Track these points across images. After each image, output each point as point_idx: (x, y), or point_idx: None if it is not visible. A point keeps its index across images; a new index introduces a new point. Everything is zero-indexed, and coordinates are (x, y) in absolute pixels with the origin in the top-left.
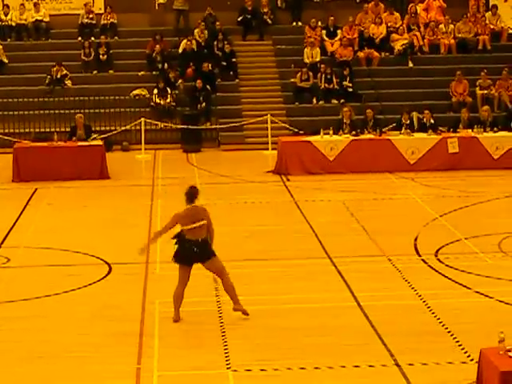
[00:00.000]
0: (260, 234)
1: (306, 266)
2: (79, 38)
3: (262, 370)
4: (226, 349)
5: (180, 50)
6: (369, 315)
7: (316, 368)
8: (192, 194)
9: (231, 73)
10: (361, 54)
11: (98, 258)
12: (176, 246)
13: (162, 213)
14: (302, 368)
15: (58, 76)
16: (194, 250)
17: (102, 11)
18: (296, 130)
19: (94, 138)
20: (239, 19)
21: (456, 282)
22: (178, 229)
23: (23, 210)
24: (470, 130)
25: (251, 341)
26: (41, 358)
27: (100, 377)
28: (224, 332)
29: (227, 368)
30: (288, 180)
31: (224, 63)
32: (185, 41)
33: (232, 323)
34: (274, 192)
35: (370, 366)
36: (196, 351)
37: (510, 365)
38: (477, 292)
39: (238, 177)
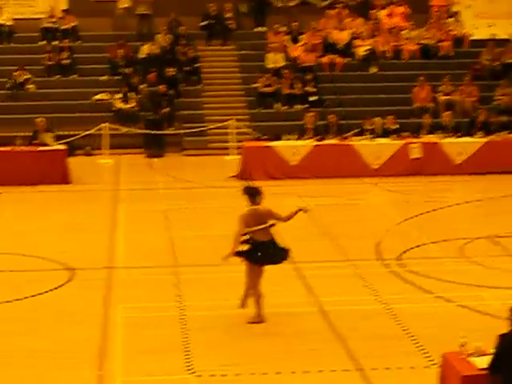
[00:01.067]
0: (224, 240)
1: (269, 270)
2: (42, 42)
3: (224, 375)
4: (188, 354)
5: (143, 55)
6: (332, 320)
7: (278, 373)
8: (252, 193)
9: (194, 78)
10: (324, 60)
11: (60, 263)
12: (247, 246)
13: (124, 218)
14: (265, 373)
15: (21, 80)
16: (270, 251)
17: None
18: (259, 135)
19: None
20: (202, 24)
21: (418, 287)
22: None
23: None
24: (432, 136)
25: (214, 345)
26: (0, 365)
27: (62, 383)
28: (187, 337)
29: (190, 373)
30: None
31: (187, 68)
32: (148, 45)
33: (195, 328)
34: (238, 197)
35: (333, 370)
36: (159, 356)
37: (471, 369)
38: (439, 297)
39: (201, 182)
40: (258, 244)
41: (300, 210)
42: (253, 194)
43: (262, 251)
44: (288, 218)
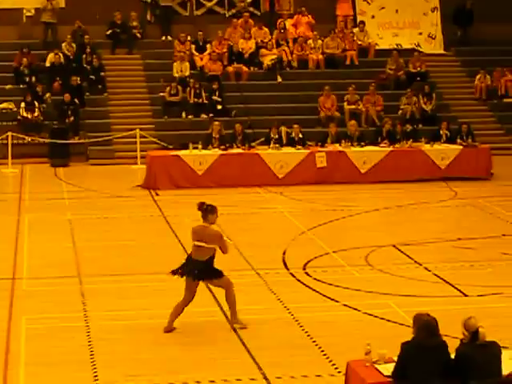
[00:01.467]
0: (129, 249)
1: (174, 281)
2: None
3: None
4: (93, 364)
5: (48, 64)
6: (237, 329)
7: (184, 383)
8: (203, 210)
9: (100, 87)
10: (230, 69)
11: None
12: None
13: (28, 228)
14: (171, 383)
15: None
16: (195, 271)
17: None
18: (165, 145)
19: None
20: (108, 33)
21: (324, 295)
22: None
23: None
24: (337, 145)
25: (119, 356)
26: None
27: None
28: (92, 348)
29: None
30: (157, 194)
31: (92, 77)
32: (52, 54)
33: (100, 338)
34: (143, 206)
35: (239, 379)
36: (64, 368)
37: (376, 376)
38: (344, 305)
39: (107, 191)
40: (190, 261)
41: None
42: (205, 212)
43: (195, 268)
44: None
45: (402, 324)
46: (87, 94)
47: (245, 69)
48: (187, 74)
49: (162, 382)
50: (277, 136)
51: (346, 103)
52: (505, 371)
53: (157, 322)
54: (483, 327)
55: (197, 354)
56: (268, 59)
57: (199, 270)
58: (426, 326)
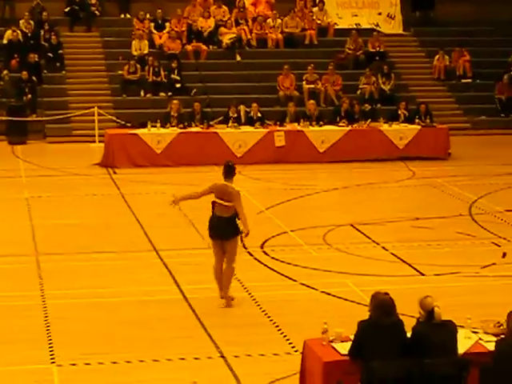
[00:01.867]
0: (86, 227)
1: (132, 259)
2: None
3: (86, 363)
4: (50, 343)
5: (5, 41)
6: (194, 307)
7: (141, 361)
8: (227, 170)
9: (58, 64)
10: (189, 47)
11: None
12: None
13: None
14: (128, 361)
15: None
16: (216, 225)
17: None
18: (123, 123)
19: None
20: (67, 10)
21: (281, 274)
22: None
23: None
24: (296, 124)
25: (76, 335)
26: None
27: None
28: (48, 326)
29: (51, 362)
30: (115, 173)
31: (50, 54)
32: (10, 31)
33: (57, 317)
34: (101, 185)
35: (196, 358)
36: (20, 346)
37: (332, 355)
38: (302, 284)
39: (65, 169)
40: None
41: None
42: (230, 173)
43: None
44: (240, 218)
45: (359, 303)
46: (45, 71)
47: (204, 47)
48: (146, 52)
49: (119, 361)
50: (235, 115)
51: (304, 82)
52: (461, 350)
53: (113, 300)
54: (439, 306)
55: (154, 333)
56: (227, 38)
57: (222, 228)
58: (380, 306)
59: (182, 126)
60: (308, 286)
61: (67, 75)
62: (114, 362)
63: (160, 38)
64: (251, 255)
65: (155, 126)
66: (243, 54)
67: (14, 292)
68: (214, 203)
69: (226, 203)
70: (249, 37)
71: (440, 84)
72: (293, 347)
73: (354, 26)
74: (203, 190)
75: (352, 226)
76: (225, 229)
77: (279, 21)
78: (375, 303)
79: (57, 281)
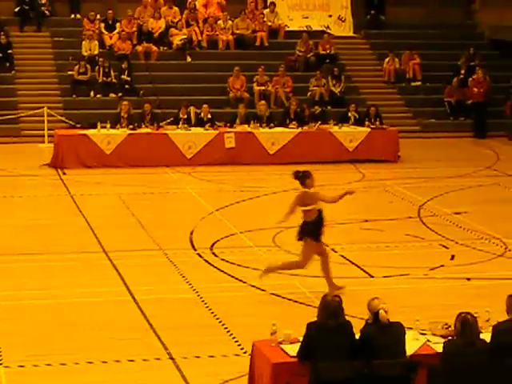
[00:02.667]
0: (35, 228)
1: (81, 259)
2: None
3: (34, 365)
4: None
5: None
6: (143, 309)
7: (89, 362)
8: (300, 178)
9: (7, 64)
10: (139, 48)
11: None
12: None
13: None
14: (76, 363)
15: None
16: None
17: None
18: (73, 123)
19: None
20: (16, 10)
21: (231, 276)
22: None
23: None
24: (246, 126)
25: (24, 336)
26: None
27: None
28: None
29: None
30: (64, 174)
31: (0, 54)
32: None
33: (4, 318)
34: (50, 186)
35: (145, 359)
36: None
37: (281, 357)
38: (251, 285)
39: (13, 170)
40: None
41: (346, 192)
42: (301, 179)
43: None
44: (335, 200)
45: (308, 305)
46: None
47: (154, 48)
48: (96, 52)
49: (67, 362)
50: (186, 116)
51: (255, 84)
52: (409, 351)
53: (62, 301)
54: (386, 308)
55: (102, 334)
56: (178, 39)
57: (304, 228)
58: (325, 307)
59: (131, 126)
60: (257, 288)
61: (17, 75)
62: (63, 364)
63: (110, 38)
64: (201, 256)
65: (105, 127)
66: (194, 55)
67: None
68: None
69: (309, 208)
70: (199, 38)
71: (390, 87)
72: (242, 349)
73: (305, 29)
74: (292, 203)
75: None
76: (302, 230)
77: (230, 22)
78: (321, 305)
79: (4, 282)
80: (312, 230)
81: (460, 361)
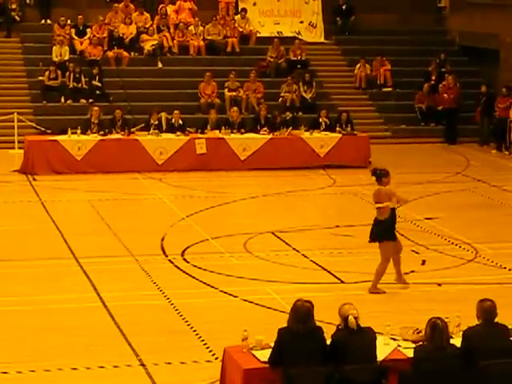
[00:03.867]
0: (5, 235)
1: (51, 266)
2: None
3: (4, 372)
4: None
5: None
6: (114, 315)
7: (60, 369)
8: (377, 175)
9: None
10: (110, 54)
11: None
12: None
13: None
14: (47, 370)
15: None
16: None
17: None
18: (43, 129)
19: None
20: None
21: (202, 282)
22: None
23: None
24: (217, 132)
25: None
26: None
27: None
28: None
29: None
30: (34, 180)
31: None
32: None
33: None
34: (20, 192)
35: (115, 366)
36: None
37: (252, 362)
38: (222, 291)
39: None
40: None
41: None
42: (379, 176)
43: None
44: (406, 201)
45: (280, 310)
46: None
47: (125, 54)
48: (67, 58)
49: (37, 369)
50: (157, 122)
51: (226, 90)
52: (380, 357)
53: (32, 308)
54: (355, 314)
55: (72, 341)
56: (149, 45)
57: (379, 230)
58: (295, 313)
59: (102, 132)
60: (228, 294)
61: None
62: (32, 371)
63: (81, 44)
64: (172, 263)
65: (75, 133)
66: (165, 60)
67: None
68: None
69: (382, 205)
70: (170, 44)
71: (361, 93)
72: (213, 355)
73: (276, 34)
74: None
75: (273, 233)
76: (378, 232)
77: (201, 28)
78: (292, 311)
79: None
80: (385, 230)
81: (430, 366)
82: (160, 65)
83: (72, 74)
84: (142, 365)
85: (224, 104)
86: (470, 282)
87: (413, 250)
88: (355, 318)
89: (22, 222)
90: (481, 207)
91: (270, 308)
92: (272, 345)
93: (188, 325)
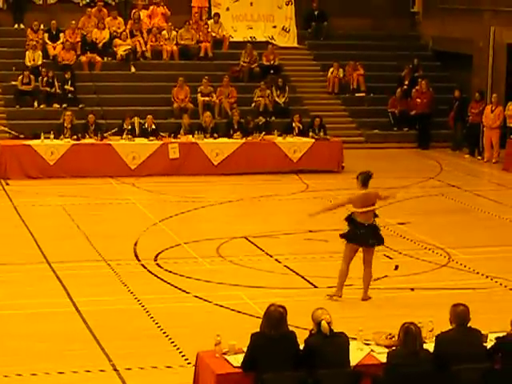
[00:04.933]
0: None
1: (24, 271)
2: None
3: None
4: None
5: None
6: (87, 320)
7: (33, 374)
8: (365, 178)
9: None
10: (83, 58)
11: None
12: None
13: None
14: (19, 374)
15: None
16: (359, 232)
17: None
18: (16, 134)
19: None
20: None
21: (175, 287)
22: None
23: None
24: (190, 136)
25: None
26: None
27: None
28: None
29: None
30: (7, 184)
31: None
32: None
33: None
34: None
35: (88, 371)
36: None
37: (225, 367)
38: (195, 296)
39: None
40: (355, 223)
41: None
42: (368, 180)
43: (354, 231)
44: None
45: (253, 315)
46: None
47: (98, 59)
48: (40, 62)
49: (10, 374)
50: (130, 127)
51: (199, 95)
52: (353, 362)
53: (4, 313)
54: (328, 319)
55: (45, 346)
56: (122, 49)
57: (373, 234)
58: (267, 318)
59: (75, 137)
60: (201, 299)
61: None
62: (6, 376)
63: (54, 48)
64: (144, 267)
65: (48, 138)
66: (138, 65)
67: None
68: (351, 214)
69: (372, 208)
70: (143, 48)
71: (334, 97)
72: (186, 359)
73: (249, 39)
74: (341, 201)
75: (246, 238)
76: (370, 236)
77: (174, 33)
78: (264, 316)
79: None
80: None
81: (403, 371)
82: (133, 69)
83: (45, 79)
84: (115, 369)
85: (197, 109)
86: (443, 286)
87: (385, 255)
88: (328, 322)
89: None
90: (454, 212)
91: (243, 313)
92: (245, 350)
93: (161, 329)
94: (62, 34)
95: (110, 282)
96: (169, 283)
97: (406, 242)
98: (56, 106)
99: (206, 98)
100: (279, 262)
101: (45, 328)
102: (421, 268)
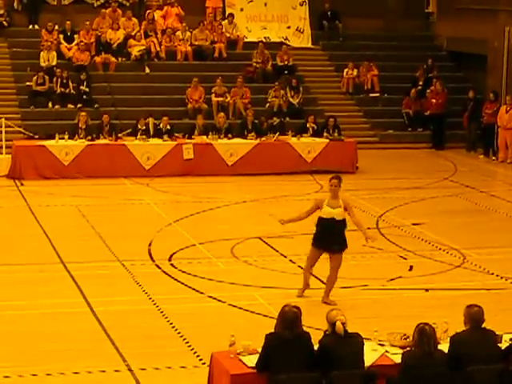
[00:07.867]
0: None
1: (39, 271)
2: None
3: None
4: None
5: None
6: (102, 320)
7: (48, 374)
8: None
9: None
10: (97, 59)
11: None
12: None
13: None
14: (34, 375)
15: None
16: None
17: None
18: (31, 134)
19: None
20: None
21: (189, 287)
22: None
23: None
24: (204, 137)
25: None
26: None
27: None
28: None
29: None
30: (22, 185)
31: None
32: None
33: None
34: (8, 197)
35: (103, 371)
36: None
37: (239, 368)
38: (210, 296)
39: None
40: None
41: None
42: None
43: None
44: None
45: (267, 316)
46: None
47: (112, 59)
48: (54, 63)
49: (25, 374)
50: (144, 127)
51: (213, 95)
52: (367, 362)
53: (20, 313)
54: (343, 320)
55: (60, 346)
56: (136, 50)
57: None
58: (282, 319)
59: (90, 138)
60: (216, 299)
61: None
62: (20, 376)
63: (69, 49)
64: (159, 268)
65: (63, 138)
66: (152, 66)
67: None
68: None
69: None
70: (158, 49)
71: (348, 98)
72: (200, 360)
73: (263, 40)
74: (310, 208)
75: (260, 238)
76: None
77: (188, 33)
78: (279, 316)
79: None
80: None
81: (418, 371)
82: (147, 70)
83: (60, 80)
84: (130, 370)
85: (211, 109)
86: (458, 287)
87: (400, 256)
88: (343, 323)
89: (9, 227)
90: (468, 213)
91: (257, 313)
92: (259, 350)
93: (175, 330)
94: (76, 35)
95: (125, 282)
96: (183, 283)
97: (421, 243)
98: (70, 106)
99: (220, 99)
100: (293, 263)
101: (59, 328)
102: (435, 269)
